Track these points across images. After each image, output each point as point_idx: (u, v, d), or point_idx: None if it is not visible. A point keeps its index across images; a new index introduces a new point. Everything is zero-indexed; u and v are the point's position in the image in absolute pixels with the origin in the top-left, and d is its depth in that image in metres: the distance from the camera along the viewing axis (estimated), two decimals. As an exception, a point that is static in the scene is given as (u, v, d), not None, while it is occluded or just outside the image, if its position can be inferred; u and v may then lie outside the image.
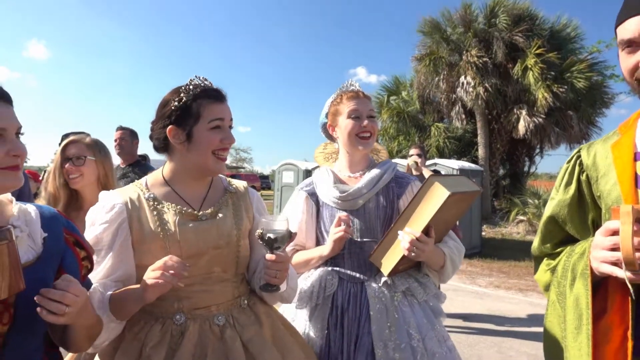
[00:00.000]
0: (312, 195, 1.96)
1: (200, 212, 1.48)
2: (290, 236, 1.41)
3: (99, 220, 1.42)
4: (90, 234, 1.41)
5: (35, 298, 1.01)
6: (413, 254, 1.64)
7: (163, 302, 1.40)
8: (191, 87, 1.48)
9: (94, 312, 1.24)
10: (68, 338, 1.20)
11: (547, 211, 1.39)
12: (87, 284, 1.29)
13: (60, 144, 2.29)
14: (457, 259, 1.85)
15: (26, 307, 1.03)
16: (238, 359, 1.36)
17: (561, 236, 1.37)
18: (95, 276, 1.37)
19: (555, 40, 15.01)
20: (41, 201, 2.25)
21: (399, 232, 1.68)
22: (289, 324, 1.66)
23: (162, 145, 1.53)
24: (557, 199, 1.36)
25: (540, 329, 4.74)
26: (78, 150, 2.25)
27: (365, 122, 1.88)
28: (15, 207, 1.16)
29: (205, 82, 1.51)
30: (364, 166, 1.96)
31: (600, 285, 1.17)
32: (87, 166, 2.24)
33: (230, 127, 1.54)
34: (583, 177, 1.30)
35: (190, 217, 1.46)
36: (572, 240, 1.34)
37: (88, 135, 2.36)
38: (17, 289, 0.97)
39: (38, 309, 1.01)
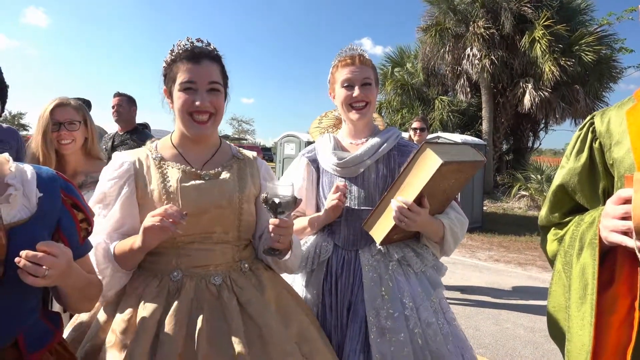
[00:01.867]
0: (314, 162, 1.93)
1: (203, 172, 1.51)
2: (295, 202, 1.41)
3: (107, 176, 1.48)
4: (98, 189, 1.48)
5: (15, 260, 1.00)
6: (404, 224, 1.60)
7: (162, 258, 1.45)
8: (175, 48, 1.50)
9: (88, 273, 1.25)
10: (62, 298, 1.20)
11: (557, 179, 1.35)
12: (86, 247, 1.29)
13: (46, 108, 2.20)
14: (459, 231, 1.80)
15: (16, 265, 1.01)
16: (234, 317, 1.36)
17: (570, 205, 1.34)
18: (101, 229, 1.43)
19: (565, 12, 14.64)
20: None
21: (391, 200, 1.63)
22: (294, 291, 1.67)
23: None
24: (568, 167, 1.32)
25: (538, 302, 4.79)
26: (68, 114, 2.19)
27: (357, 91, 1.80)
28: (12, 166, 1.16)
29: (194, 43, 1.50)
30: (366, 134, 1.91)
31: (608, 255, 1.14)
32: (78, 130, 2.20)
33: (214, 89, 1.49)
34: (595, 145, 1.26)
35: (193, 176, 1.49)
36: (581, 210, 1.31)
37: (73, 99, 2.28)
38: None
39: (18, 271, 1.00)
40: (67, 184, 1.24)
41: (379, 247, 1.77)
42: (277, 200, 1.38)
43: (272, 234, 1.42)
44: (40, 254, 1.01)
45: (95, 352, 1.34)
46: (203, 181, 1.49)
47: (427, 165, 1.54)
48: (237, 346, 1.30)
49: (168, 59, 1.52)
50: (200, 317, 1.35)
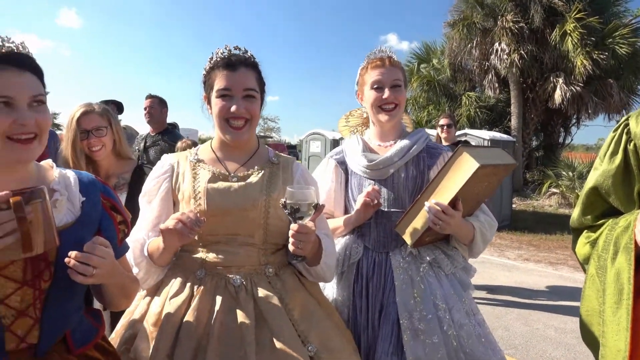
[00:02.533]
0: (342, 164, 1.94)
1: (232, 174, 1.56)
2: (315, 207, 1.40)
3: (152, 175, 1.61)
4: (147, 184, 1.60)
5: (65, 260, 1.07)
6: (438, 227, 1.61)
7: (192, 256, 1.53)
8: (214, 57, 1.56)
9: (127, 272, 1.32)
10: (104, 297, 1.28)
11: (590, 181, 1.33)
12: (124, 248, 1.35)
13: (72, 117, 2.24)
14: (489, 234, 1.80)
15: (65, 266, 1.08)
16: (249, 319, 1.40)
17: (603, 208, 1.32)
18: (143, 225, 1.55)
19: (597, 4, 14.14)
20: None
21: (425, 203, 1.64)
22: (322, 297, 1.66)
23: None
24: (602, 169, 1.30)
25: (570, 303, 4.69)
26: (94, 121, 2.24)
27: (387, 93, 1.81)
28: (55, 172, 1.23)
29: (231, 51, 1.56)
30: (395, 136, 1.91)
31: None
32: (107, 136, 2.27)
33: (249, 96, 1.54)
34: (630, 147, 1.24)
35: (221, 178, 1.55)
36: (614, 213, 1.29)
37: (97, 104, 2.32)
38: (52, 244, 1.03)
39: (68, 270, 1.07)
40: (105, 187, 1.30)
41: (410, 249, 1.77)
42: (295, 206, 1.37)
43: (292, 240, 1.41)
44: (89, 254, 1.08)
45: (132, 339, 1.44)
46: (230, 183, 1.54)
47: (464, 168, 1.56)
48: (247, 348, 1.34)
49: (207, 67, 1.58)
50: (215, 315, 1.40)
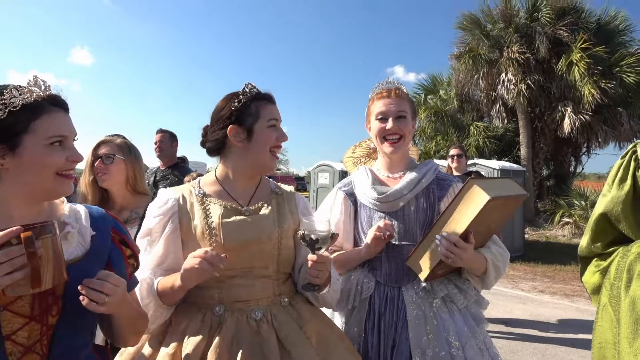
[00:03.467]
0: (351, 196, 1.92)
1: (244, 208, 1.56)
2: (332, 237, 1.43)
3: (153, 213, 1.54)
4: (145, 225, 1.54)
5: (79, 287, 1.07)
6: (450, 260, 1.58)
7: (206, 292, 1.49)
8: (247, 90, 1.60)
9: (137, 306, 1.32)
10: (114, 330, 1.26)
11: (599, 208, 1.32)
12: (133, 282, 1.35)
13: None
14: (502, 265, 1.77)
15: (74, 300, 1.08)
16: (272, 353, 1.38)
17: (613, 236, 1.30)
18: (146, 265, 1.49)
19: (603, 34, 14.29)
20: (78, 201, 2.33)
21: (436, 236, 1.62)
22: (336, 326, 1.66)
23: (217, 147, 1.62)
24: (611, 195, 1.29)
25: (587, 336, 4.54)
26: (108, 149, 2.30)
27: (390, 124, 1.81)
28: (66, 206, 1.25)
29: (257, 88, 1.62)
30: (403, 167, 1.90)
31: None
32: (116, 165, 2.28)
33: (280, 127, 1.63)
34: (639, 173, 1.24)
35: (234, 212, 1.54)
36: (625, 240, 1.27)
37: (122, 137, 2.41)
38: (60, 279, 1.02)
39: (80, 298, 1.07)
40: (115, 222, 1.31)
41: (423, 284, 1.74)
42: (314, 237, 1.40)
43: (310, 270, 1.43)
44: (102, 281, 1.08)
45: None
46: (244, 217, 1.53)
47: (474, 201, 1.55)
48: None
49: (244, 99, 1.58)
50: (240, 354, 1.36)
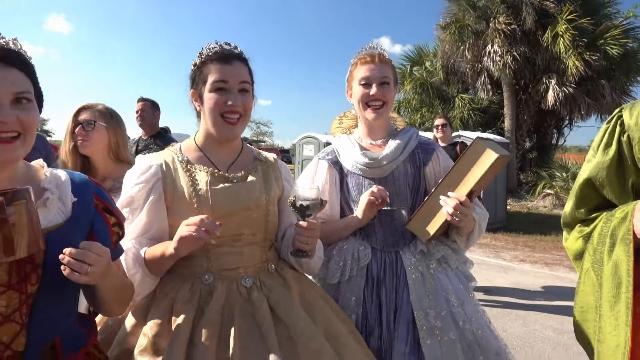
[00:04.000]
0: (335, 164, 1.89)
1: (231, 175, 1.52)
2: (321, 204, 1.43)
3: (134, 180, 1.47)
4: (125, 194, 1.47)
5: (59, 257, 1.02)
6: (457, 219, 1.62)
7: (192, 262, 1.45)
8: (205, 50, 1.52)
9: (122, 275, 1.28)
10: (98, 300, 1.22)
11: (584, 173, 1.31)
12: (118, 250, 1.30)
13: None
14: (483, 225, 1.84)
15: (54, 269, 1.04)
16: (265, 319, 1.37)
17: (597, 201, 1.30)
18: (130, 234, 1.42)
19: (588, 5, 14.26)
20: None
21: (441, 197, 1.65)
22: (320, 290, 1.66)
23: (195, 110, 1.58)
24: (595, 160, 1.28)
25: (567, 303, 4.66)
26: (89, 115, 2.22)
27: (374, 89, 1.78)
28: (47, 171, 1.19)
29: (223, 46, 1.52)
30: (384, 134, 1.90)
31: None
32: (97, 131, 2.20)
33: (244, 90, 1.51)
34: (624, 138, 1.23)
35: (221, 179, 1.50)
36: (609, 206, 1.28)
37: (102, 104, 2.33)
38: (35, 248, 0.98)
39: (62, 267, 1.02)
40: (98, 188, 1.26)
41: (421, 247, 1.78)
42: (305, 203, 1.40)
43: (299, 236, 1.42)
44: (84, 251, 1.03)
45: (125, 355, 1.34)
46: (231, 184, 1.50)
47: (482, 160, 1.62)
48: (270, 348, 1.31)
49: (197, 61, 1.53)
50: (233, 321, 1.35)
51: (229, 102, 1.47)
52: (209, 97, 1.48)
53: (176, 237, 1.33)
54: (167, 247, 1.36)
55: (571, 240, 1.36)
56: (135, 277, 1.39)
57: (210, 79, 1.48)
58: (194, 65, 1.54)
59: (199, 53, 1.53)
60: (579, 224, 1.34)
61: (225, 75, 1.47)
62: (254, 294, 1.43)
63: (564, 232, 1.42)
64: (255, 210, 1.51)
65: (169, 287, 1.45)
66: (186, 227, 1.31)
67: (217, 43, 1.52)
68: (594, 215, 1.30)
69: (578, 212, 1.34)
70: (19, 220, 0.94)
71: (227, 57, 1.50)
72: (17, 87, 1.06)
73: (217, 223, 1.31)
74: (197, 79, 1.53)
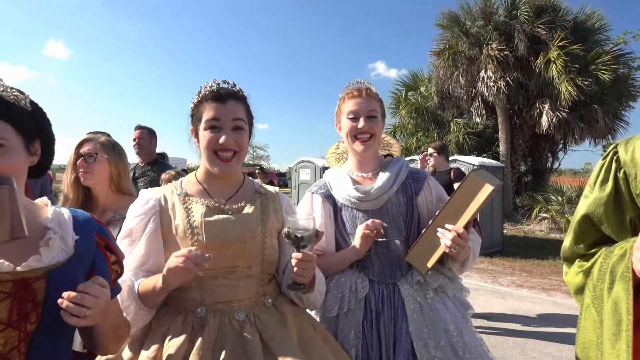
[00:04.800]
0: (329, 198, 1.91)
1: (227, 207, 1.53)
2: (317, 235, 1.42)
3: (134, 213, 1.51)
4: (125, 225, 1.51)
5: (58, 301, 1.03)
6: (454, 251, 1.63)
7: (187, 294, 1.46)
8: (202, 89, 1.55)
9: (119, 313, 1.29)
10: (95, 339, 1.22)
11: (581, 209, 1.32)
12: (117, 288, 1.31)
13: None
14: (477, 251, 1.85)
15: (54, 307, 1.04)
16: (256, 354, 1.36)
17: (596, 237, 1.30)
18: (128, 266, 1.42)
19: (579, 32, 14.58)
20: (60, 201, 2.25)
21: (439, 229, 1.67)
22: (321, 327, 1.64)
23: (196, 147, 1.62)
24: (593, 197, 1.29)
25: (565, 330, 4.64)
26: (91, 147, 2.23)
27: (362, 123, 1.82)
28: (50, 210, 1.20)
29: (220, 85, 1.55)
30: (375, 166, 1.92)
31: None
32: (99, 164, 2.21)
33: (238, 127, 1.53)
34: (620, 174, 1.24)
35: (217, 211, 1.51)
36: (607, 242, 1.27)
37: (106, 134, 2.34)
38: (19, 234, 0.97)
39: (61, 312, 1.02)
40: (100, 226, 1.27)
41: (418, 277, 1.78)
42: (299, 234, 1.39)
43: (295, 268, 1.41)
44: (83, 294, 1.03)
45: None
46: (226, 215, 1.50)
47: (479, 192, 1.64)
48: None
49: (195, 100, 1.57)
50: (223, 355, 1.34)
51: (221, 140, 1.50)
52: (203, 135, 1.53)
53: (165, 269, 1.33)
54: (158, 280, 1.37)
55: (571, 274, 1.35)
56: (129, 309, 1.39)
57: (205, 117, 1.52)
58: (192, 104, 1.58)
59: (198, 92, 1.57)
60: (578, 259, 1.34)
61: (218, 113, 1.51)
62: (247, 327, 1.42)
63: (564, 266, 1.41)
64: (251, 242, 1.50)
65: (163, 320, 1.45)
66: (174, 258, 1.32)
67: (215, 82, 1.55)
68: (593, 250, 1.30)
69: (577, 247, 1.34)
70: (1, 205, 0.95)
71: (223, 96, 1.53)
72: None
73: (206, 255, 1.31)
74: (194, 117, 1.58)
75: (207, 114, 1.52)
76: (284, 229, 1.42)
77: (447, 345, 1.65)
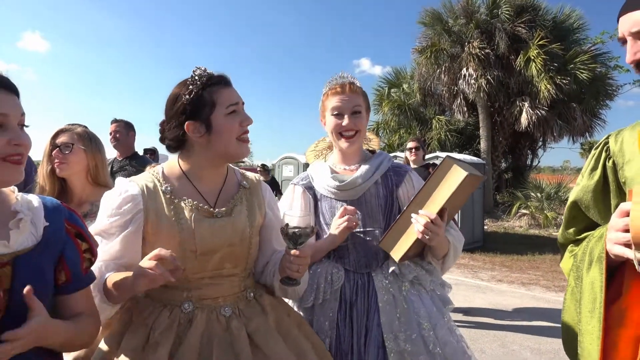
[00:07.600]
0: (309, 189, 1.91)
1: (216, 210, 1.48)
2: (313, 231, 1.42)
3: (113, 209, 1.41)
4: (104, 220, 1.42)
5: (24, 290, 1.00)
6: (427, 237, 1.61)
7: (173, 290, 1.42)
8: (197, 77, 1.46)
9: (88, 307, 1.24)
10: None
11: (571, 196, 1.38)
12: (90, 277, 1.26)
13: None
14: (459, 248, 1.84)
15: (21, 295, 1.00)
16: (243, 349, 1.36)
17: (585, 223, 1.36)
18: (100, 256, 1.37)
19: (558, 32, 14.81)
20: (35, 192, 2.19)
21: (412, 215, 1.65)
22: (296, 315, 1.65)
23: (177, 144, 1.51)
24: (582, 184, 1.35)
25: (544, 323, 4.73)
26: (67, 138, 2.17)
27: (346, 120, 1.81)
28: (18, 196, 1.18)
29: (208, 71, 1.49)
30: (358, 159, 1.91)
31: (620, 268, 1.16)
32: (75, 154, 2.15)
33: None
34: (609, 164, 1.29)
35: (206, 214, 1.46)
36: (596, 227, 1.32)
37: (83, 126, 2.28)
38: None
39: None
40: (71, 213, 1.24)
41: (393, 268, 1.77)
42: (297, 232, 1.39)
43: (291, 264, 1.41)
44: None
45: None
46: (216, 219, 1.46)
47: (452, 178, 1.62)
48: None
49: (194, 89, 1.44)
50: (211, 351, 1.34)
51: (244, 122, 1.49)
52: (225, 121, 1.45)
53: (135, 272, 1.26)
54: (128, 279, 1.30)
55: (564, 260, 1.41)
56: (94, 300, 1.33)
57: (223, 103, 1.45)
58: (193, 94, 1.44)
59: (191, 81, 1.45)
60: (571, 244, 1.40)
61: (236, 97, 1.49)
62: (233, 322, 1.42)
63: (560, 253, 1.47)
64: (239, 245, 1.49)
65: (146, 313, 1.41)
66: (147, 262, 1.24)
67: (199, 69, 1.48)
68: (583, 235, 1.35)
69: (567, 233, 1.40)
70: None
71: (228, 80, 1.51)
72: (22, 110, 1.12)
73: (177, 262, 1.25)
74: (197, 107, 1.44)
75: (226, 98, 1.47)
76: (282, 227, 1.41)
77: (418, 339, 1.65)
